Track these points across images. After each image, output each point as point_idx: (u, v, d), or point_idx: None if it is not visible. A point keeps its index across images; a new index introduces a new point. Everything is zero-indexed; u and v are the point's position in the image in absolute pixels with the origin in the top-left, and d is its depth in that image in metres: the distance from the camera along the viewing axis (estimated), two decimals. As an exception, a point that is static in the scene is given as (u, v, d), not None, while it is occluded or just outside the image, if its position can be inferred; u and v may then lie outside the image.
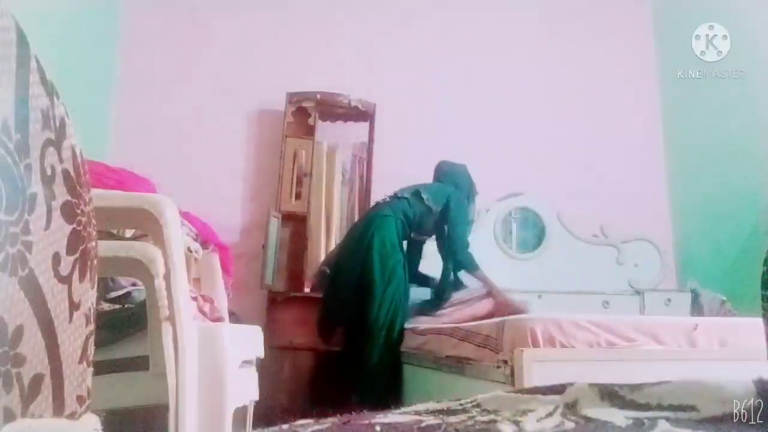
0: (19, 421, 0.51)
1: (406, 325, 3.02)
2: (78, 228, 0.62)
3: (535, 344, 1.75)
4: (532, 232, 3.90)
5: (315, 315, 3.23)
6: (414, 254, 3.28)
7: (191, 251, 1.61)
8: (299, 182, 3.57)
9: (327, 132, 3.79)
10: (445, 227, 3.12)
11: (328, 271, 3.23)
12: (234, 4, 3.98)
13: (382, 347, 2.88)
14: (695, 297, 3.55)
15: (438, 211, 3.09)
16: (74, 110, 0.64)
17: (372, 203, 3.59)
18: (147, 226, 1.24)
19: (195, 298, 1.46)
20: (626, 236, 3.88)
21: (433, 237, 3.28)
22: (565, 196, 3.90)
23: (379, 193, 3.61)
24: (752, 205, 3.30)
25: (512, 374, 1.72)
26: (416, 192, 3.11)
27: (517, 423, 0.65)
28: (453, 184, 3.20)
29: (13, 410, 0.50)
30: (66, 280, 0.60)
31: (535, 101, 4.08)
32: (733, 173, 3.52)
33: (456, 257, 3.08)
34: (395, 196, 3.14)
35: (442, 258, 3.23)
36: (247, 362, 1.71)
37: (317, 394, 3.34)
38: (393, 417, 0.72)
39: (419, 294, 3.27)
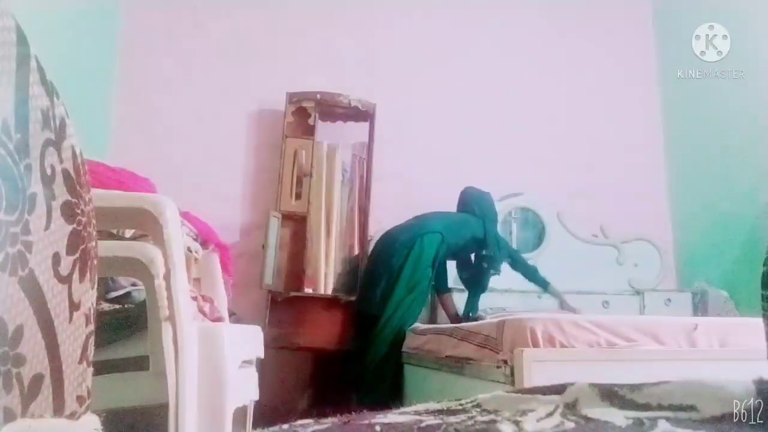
0: (19, 421, 0.51)
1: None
2: (78, 228, 0.62)
3: (535, 344, 1.75)
4: (532, 232, 3.90)
5: (315, 315, 3.24)
6: (439, 268, 3.35)
7: (191, 251, 1.62)
8: (299, 182, 3.57)
9: (327, 132, 3.79)
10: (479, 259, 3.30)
11: None
12: (234, 4, 3.98)
13: (387, 350, 2.94)
14: (702, 296, 3.55)
15: (476, 246, 3.24)
16: (74, 110, 0.64)
17: (371, 203, 3.59)
18: (147, 226, 1.24)
19: (195, 298, 1.46)
20: (626, 236, 3.88)
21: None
22: (565, 196, 3.91)
23: (379, 193, 3.62)
24: (752, 205, 3.30)
25: (512, 374, 1.72)
26: (463, 220, 3.23)
27: (517, 423, 0.65)
28: (481, 213, 3.28)
29: (13, 410, 0.50)
30: (66, 280, 0.60)
31: (535, 101, 4.08)
32: (733, 173, 3.52)
33: (531, 279, 3.29)
34: (445, 214, 3.25)
35: (467, 287, 3.36)
36: (247, 362, 1.71)
37: (317, 394, 3.34)
38: (393, 417, 0.72)
39: None
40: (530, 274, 3.30)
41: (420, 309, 3.12)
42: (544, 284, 3.28)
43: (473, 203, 3.34)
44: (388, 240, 3.18)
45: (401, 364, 2.96)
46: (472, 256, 3.34)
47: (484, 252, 3.22)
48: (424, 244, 3.04)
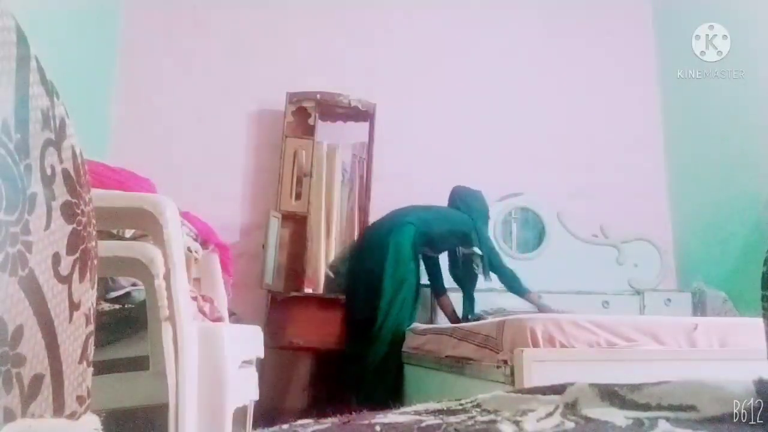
0: (19, 421, 0.51)
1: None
2: (78, 228, 0.62)
3: (535, 344, 1.75)
4: (532, 232, 3.90)
5: (315, 315, 3.24)
6: (433, 270, 3.32)
7: (191, 251, 1.61)
8: (299, 182, 3.57)
9: (327, 132, 3.79)
10: (459, 253, 3.20)
11: (332, 275, 3.25)
12: (234, 4, 3.98)
13: (387, 350, 2.91)
14: (700, 296, 3.55)
15: (458, 240, 3.17)
16: (74, 110, 0.64)
17: (371, 203, 3.59)
18: (147, 226, 1.24)
19: (195, 298, 1.46)
20: (626, 236, 3.88)
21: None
22: (565, 196, 3.90)
23: (379, 193, 3.62)
24: (752, 205, 3.30)
25: (512, 374, 1.72)
26: (443, 213, 3.20)
27: (517, 423, 0.65)
28: (468, 210, 3.24)
29: (13, 410, 0.50)
30: (66, 280, 0.60)
31: (535, 101, 4.08)
32: (733, 173, 3.52)
33: (507, 285, 3.15)
34: (423, 207, 3.20)
35: (460, 285, 3.30)
36: (247, 362, 1.71)
37: (317, 394, 3.34)
38: (393, 417, 0.73)
39: None
40: (506, 278, 3.14)
41: (412, 305, 3.07)
42: (520, 291, 3.11)
43: (459, 200, 3.30)
44: (367, 242, 3.16)
45: (401, 364, 2.96)
46: (461, 254, 3.26)
47: (474, 249, 3.13)
48: (397, 237, 3.00)
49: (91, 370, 0.64)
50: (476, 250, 3.15)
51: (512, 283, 3.13)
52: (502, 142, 3.97)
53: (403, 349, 2.93)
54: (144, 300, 1.30)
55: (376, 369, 2.91)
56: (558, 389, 0.73)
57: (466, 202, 3.29)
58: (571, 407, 0.69)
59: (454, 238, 3.18)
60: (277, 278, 3.40)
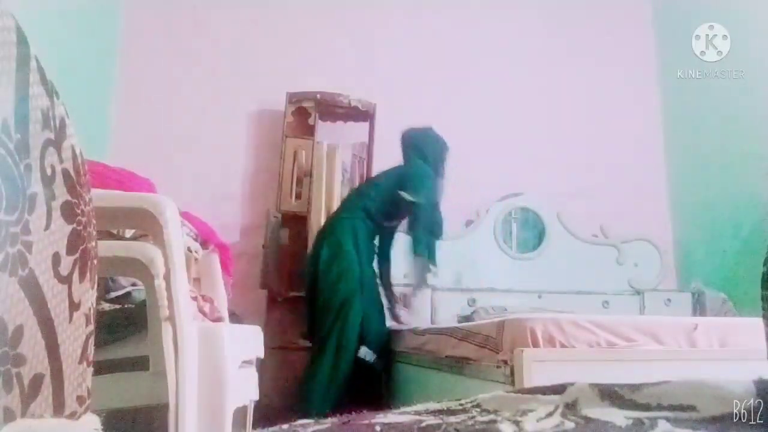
0: (19, 421, 0.51)
1: (406, 327, 3.02)
2: (78, 228, 0.62)
3: (535, 344, 1.75)
4: (532, 232, 3.90)
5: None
6: (384, 240, 3.13)
7: (191, 251, 1.62)
8: (299, 182, 3.57)
9: (327, 132, 3.79)
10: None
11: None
12: (234, 4, 3.98)
13: (324, 356, 2.76)
14: (699, 296, 3.56)
15: (399, 197, 2.93)
16: (74, 110, 0.64)
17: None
18: (147, 226, 1.24)
19: (195, 298, 1.46)
20: (626, 236, 3.88)
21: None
22: (565, 196, 3.90)
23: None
24: (752, 205, 3.30)
25: (512, 374, 1.72)
26: (374, 184, 3.08)
27: (517, 423, 0.65)
28: (419, 153, 3.06)
29: (13, 410, 0.50)
30: (66, 280, 0.60)
31: (535, 101, 4.08)
32: (733, 173, 3.52)
33: (428, 248, 2.92)
34: (355, 193, 3.13)
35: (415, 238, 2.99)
36: (247, 362, 1.71)
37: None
38: (393, 417, 0.72)
39: None
40: (428, 237, 2.90)
41: (353, 304, 2.81)
42: (428, 255, 2.91)
43: (411, 149, 3.10)
44: (312, 246, 3.09)
45: (360, 372, 2.84)
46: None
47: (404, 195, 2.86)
48: (331, 236, 2.89)
49: (91, 370, 0.64)
50: (406, 195, 2.88)
51: (429, 245, 2.92)
52: (503, 142, 3.97)
53: (403, 349, 2.93)
54: (144, 300, 1.30)
55: (312, 376, 2.75)
56: (558, 389, 0.73)
57: (417, 148, 3.09)
58: (571, 407, 0.69)
59: (394, 197, 2.92)
60: (277, 278, 3.40)
